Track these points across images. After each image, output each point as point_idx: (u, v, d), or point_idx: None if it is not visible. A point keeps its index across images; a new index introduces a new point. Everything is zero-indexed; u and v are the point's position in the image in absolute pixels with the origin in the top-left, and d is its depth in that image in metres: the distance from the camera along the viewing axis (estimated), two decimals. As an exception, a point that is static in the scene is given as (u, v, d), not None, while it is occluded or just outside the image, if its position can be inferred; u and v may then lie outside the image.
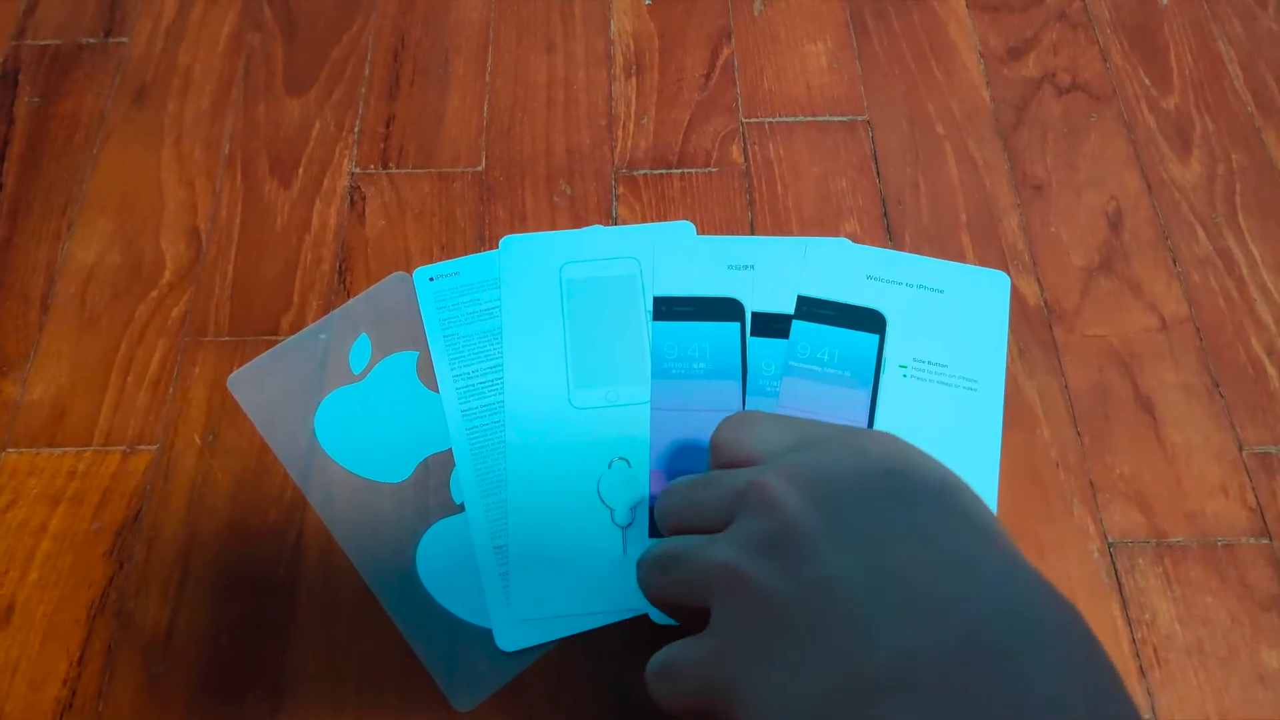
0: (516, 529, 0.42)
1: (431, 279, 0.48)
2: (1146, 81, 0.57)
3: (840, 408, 0.46)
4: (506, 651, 0.40)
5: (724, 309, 0.48)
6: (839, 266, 0.49)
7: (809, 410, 0.46)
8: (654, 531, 0.43)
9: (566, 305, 0.47)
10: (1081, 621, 0.27)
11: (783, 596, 0.28)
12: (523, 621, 0.40)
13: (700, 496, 0.34)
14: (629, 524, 0.43)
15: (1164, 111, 0.56)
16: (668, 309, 0.48)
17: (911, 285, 0.49)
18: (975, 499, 0.30)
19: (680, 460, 0.44)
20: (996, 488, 0.44)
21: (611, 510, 0.43)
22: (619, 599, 0.41)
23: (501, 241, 0.49)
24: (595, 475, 0.44)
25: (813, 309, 0.48)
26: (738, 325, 0.47)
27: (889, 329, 0.47)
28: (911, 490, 0.30)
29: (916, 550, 0.28)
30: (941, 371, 0.47)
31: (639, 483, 0.44)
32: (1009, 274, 0.50)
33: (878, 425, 0.45)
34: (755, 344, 0.47)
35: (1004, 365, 0.47)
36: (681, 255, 0.49)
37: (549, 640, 0.40)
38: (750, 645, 0.28)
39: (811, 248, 0.49)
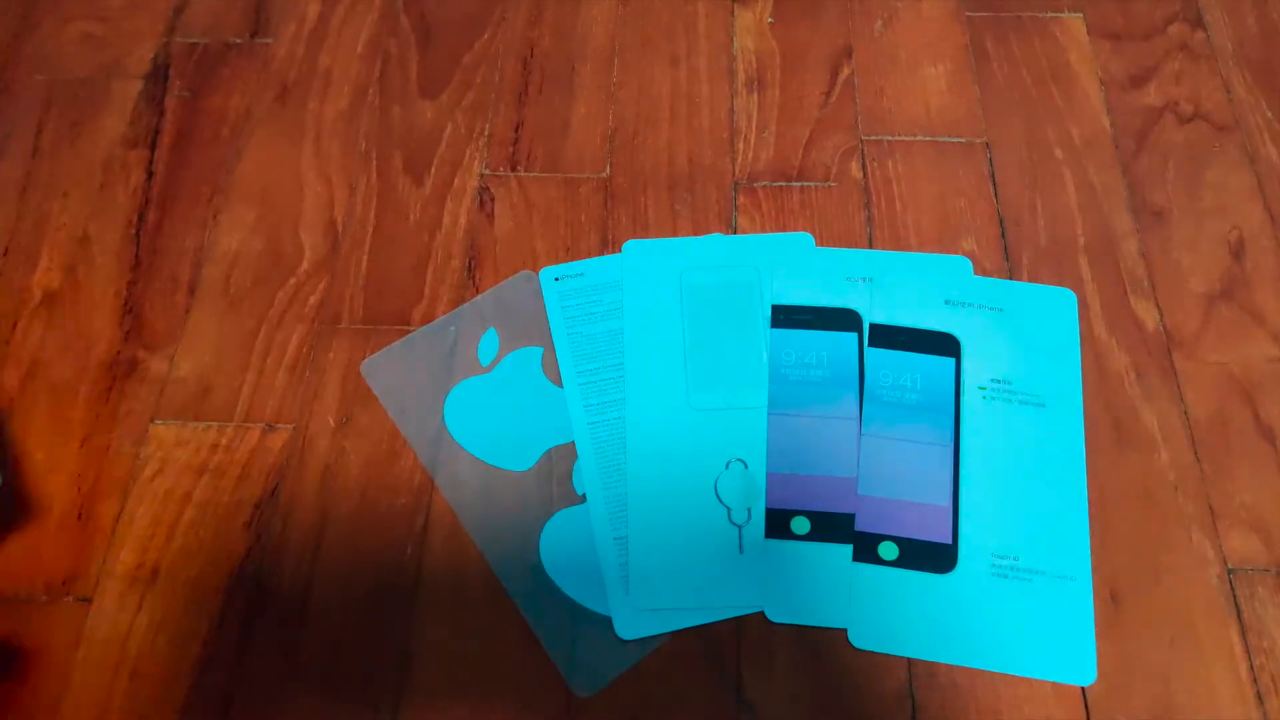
0: (636, 523, 0.43)
1: (557, 279, 0.50)
2: (1269, 114, 0.57)
3: (924, 434, 0.46)
4: (625, 639, 0.41)
5: (842, 319, 0.49)
6: (908, 291, 0.50)
7: (895, 436, 0.46)
8: (770, 531, 0.44)
9: (686, 309, 0.49)
10: None
11: None
12: (642, 612, 0.41)
13: None
14: (745, 523, 0.44)
15: (1289, 144, 0.55)
16: (786, 317, 0.49)
17: (977, 306, 0.49)
18: None
19: (795, 463, 0.45)
20: (1086, 507, 0.44)
21: (728, 509, 0.44)
22: (735, 595, 0.42)
23: (624, 245, 0.51)
24: (713, 475, 0.45)
25: (888, 335, 0.49)
26: (855, 335, 0.48)
27: (965, 351, 0.48)
28: None
29: None
30: (1015, 390, 0.47)
31: (755, 484, 0.45)
32: (1129, 299, 0.50)
33: (964, 446, 0.46)
34: (872, 354, 0.48)
35: (1079, 381, 0.48)
36: (801, 265, 0.51)
37: (666, 631, 0.41)
38: None
39: (872, 268, 0.50)
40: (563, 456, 0.46)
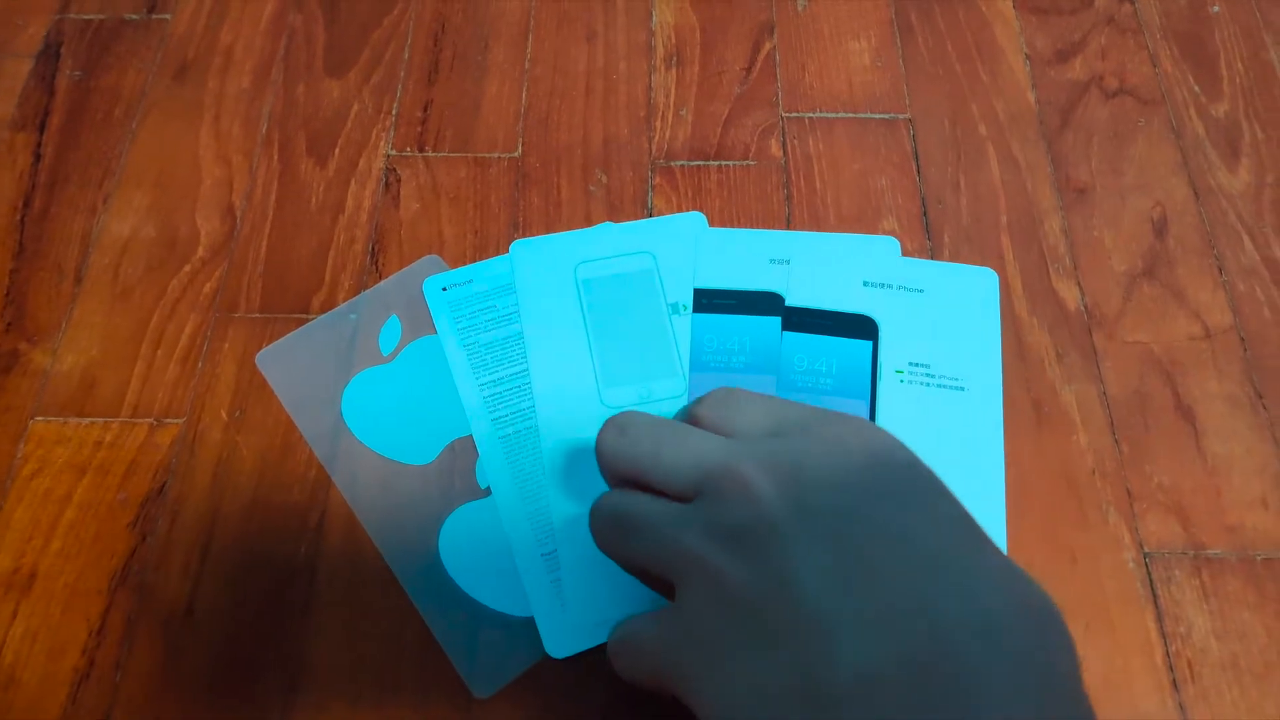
0: (564, 535, 0.41)
1: (444, 289, 0.47)
2: (1196, 88, 0.56)
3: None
4: (559, 658, 0.39)
5: (764, 303, 0.47)
6: (828, 272, 0.48)
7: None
8: None
9: (585, 305, 0.47)
10: (1052, 627, 0.27)
11: (750, 592, 0.27)
12: (576, 627, 0.40)
13: (667, 456, 0.32)
14: None
15: (1213, 119, 0.54)
16: (708, 301, 0.47)
17: (896, 287, 0.48)
18: (950, 496, 0.30)
19: None
20: (1003, 491, 0.43)
21: None
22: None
23: (512, 246, 0.49)
24: None
25: (803, 319, 0.47)
26: (778, 320, 0.46)
27: (882, 334, 0.47)
28: (888, 486, 0.29)
29: (888, 550, 0.27)
30: (933, 374, 0.46)
31: None
32: (1051, 278, 0.49)
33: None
34: (787, 339, 0.47)
35: (999, 364, 0.46)
36: (723, 248, 0.49)
37: (601, 642, 0.39)
38: (712, 636, 0.28)
39: (795, 250, 0.49)
40: (465, 449, 0.44)
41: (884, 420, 0.45)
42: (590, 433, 0.43)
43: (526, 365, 0.45)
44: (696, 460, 0.32)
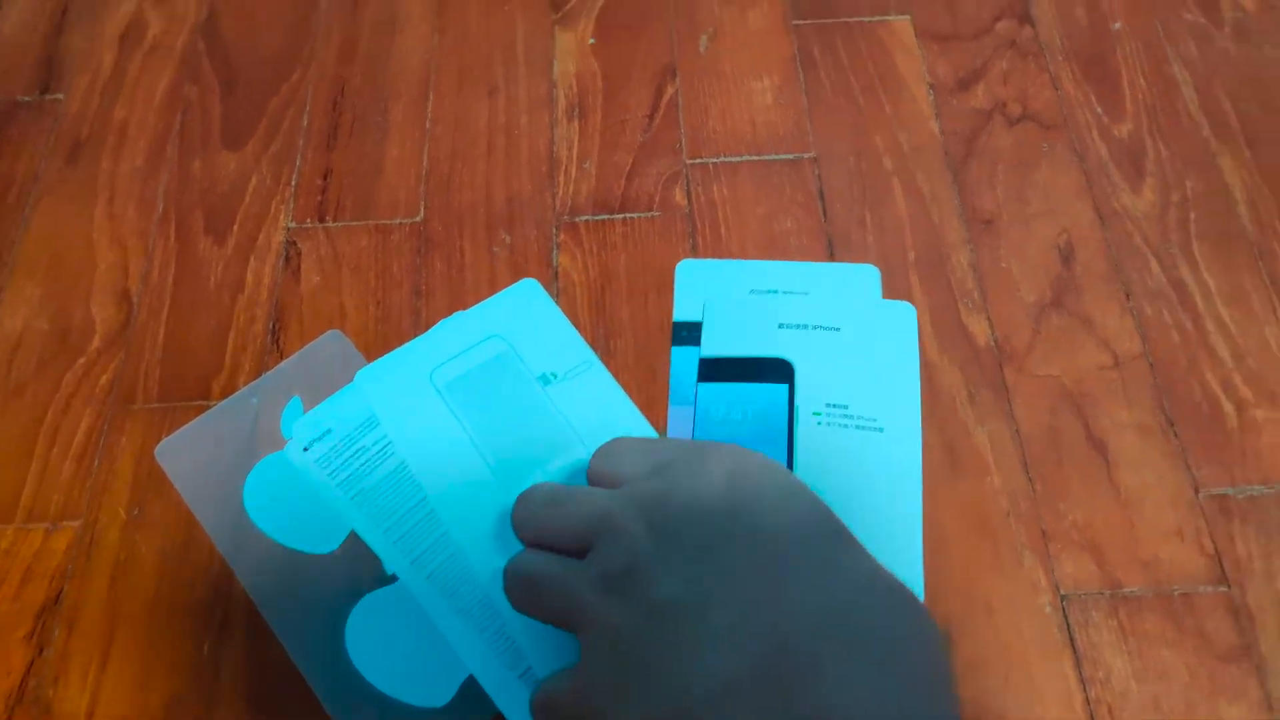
0: (533, 650, 0.39)
1: (306, 449, 0.44)
2: (1099, 109, 0.56)
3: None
4: None
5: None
6: (743, 318, 0.48)
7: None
8: None
9: (455, 410, 0.44)
10: (909, 609, 0.28)
11: (628, 630, 0.29)
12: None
13: (558, 517, 0.34)
14: None
15: (1116, 139, 0.54)
16: (687, 334, 0.47)
17: (812, 328, 0.48)
18: (811, 498, 0.31)
19: None
20: (920, 532, 0.42)
21: None
22: None
23: (357, 376, 0.46)
24: None
25: (719, 369, 0.47)
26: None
27: (798, 376, 0.46)
28: (745, 499, 0.30)
29: (744, 560, 0.28)
30: (851, 415, 0.46)
31: None
32: (959, 312, 0.49)
33: (798, 475, 0.43)
34: (702, 389, 0.46)
35: (918, 403, 0.46)
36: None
37: None
38: (611, 682, 0.29)
39: (708, 302, 0.49)
40: (371, 532, 0.43)
41: (802, 464, 0.44)
42: (514, 540, 0.41)
43: (423, 494, 0.43)
44: (583, 516, 0.33)
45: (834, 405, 0.46)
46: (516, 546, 0.41)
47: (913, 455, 0.45)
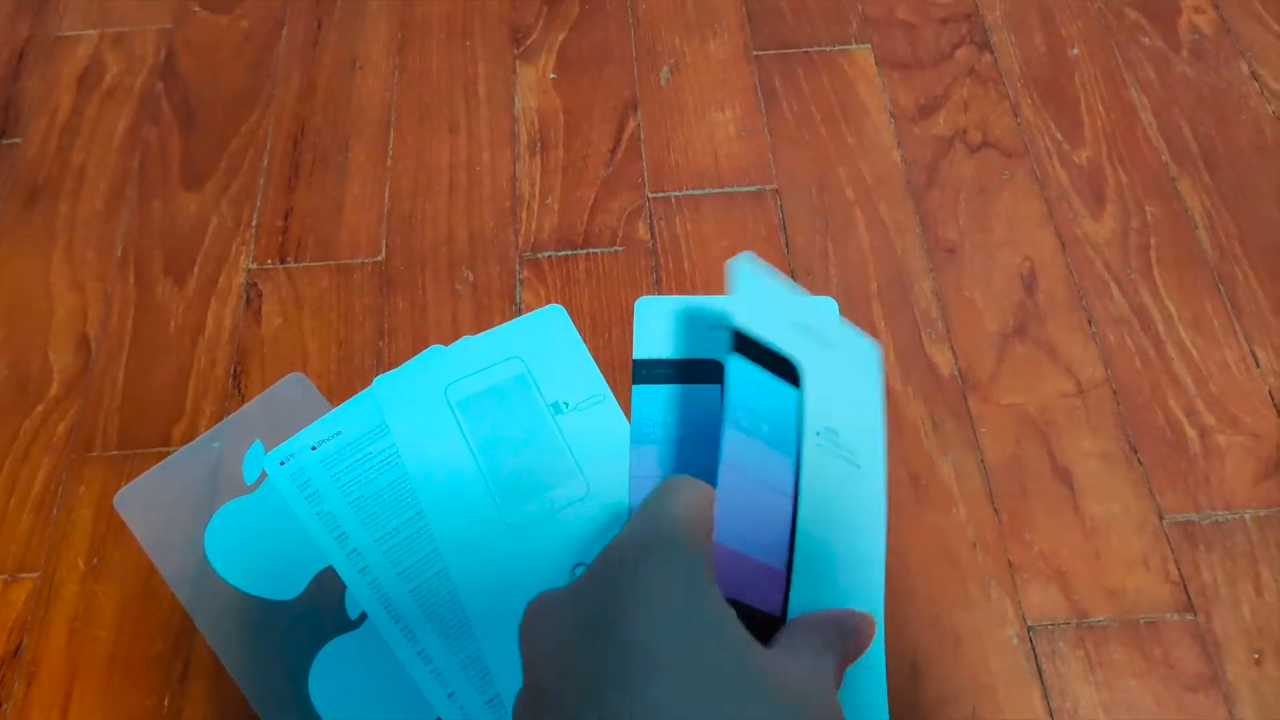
0: (502, 677, 0.40)
1: (314, 447, 0.45)
2: (1058, 136, 0.56)
3: (773, 478, 0.40)
4: None
5: (703, 371, 0.46)
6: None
7: (751, 475, 0.41)
8: None
9: (464, 427, 0.45)
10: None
11: None
12: None
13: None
14: None
15: (1076, 166, 0.55)
16: (647, 372, 0.46)
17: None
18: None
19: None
20: (882, 584, 0.41)
21: None
22: None
23: (375, 382, 0.47)
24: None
25: (752, 348, 0.41)
26: (717, 388, 0.45)
27: (804, 386, 0.42)
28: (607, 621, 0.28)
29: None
30: (840, 445, 0.42)
31: None
32: (923, 342, 0.49)
33: (801, 501, 0.40)
34: (737, 367, 0.42)
35: (882, 439, 0.43)
36: (661, 317, 0.48)
37: None
38: None
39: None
40: (334, 578, 0.42)
41: (805, 489, 0.40)
42: (503, 557, 0.41)
43: (420, 508, 0.43)
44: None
45: (829, 429, 0.43)
46: (504, 571, 0.41)
47: (879, 499, 0.43)
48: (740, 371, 0.40)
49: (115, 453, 0.46)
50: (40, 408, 0.48)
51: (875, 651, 0.40)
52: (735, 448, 0.38)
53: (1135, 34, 0.60)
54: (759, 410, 0.40)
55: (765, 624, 0.36)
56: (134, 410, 0.47)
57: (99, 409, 0.47)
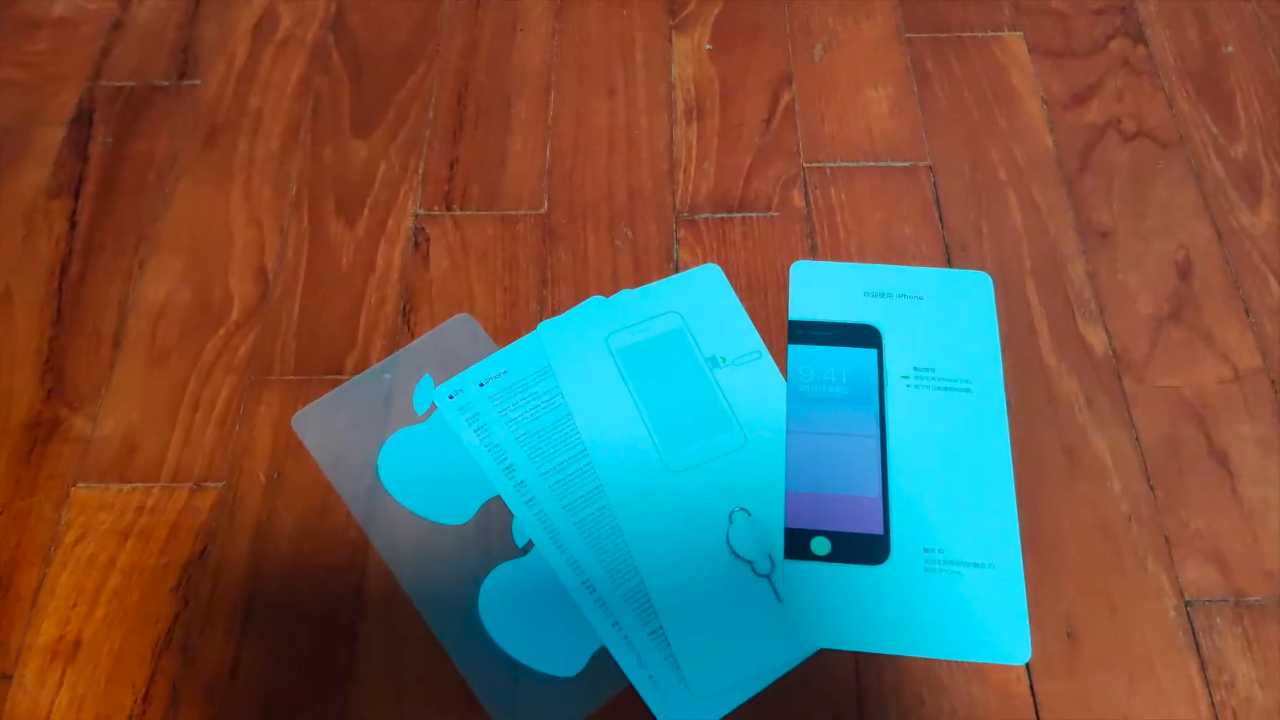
0: (666, 611, 0.41)
1: (482, 384, 0.47)
2: (1214, 129, 0.56)
3: (851, 426, 0.46)
4: None
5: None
6: (827, 287, 0.50)
7: (823, 431, 0.46)
8: (790, 552, 0.43)
9: (626, 374, 0.47)
10: None
11: None
12: (700, 701, 0.40)
13: None
14: (771, 571, 0.42)
15: (1232, 159, 0.55)
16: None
17: (896, 296, 0.49)
18: None
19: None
20: (1013, 487, 0.44)
21: (750, 563, 0.42)
22: (784, 651, 0.41)
23: (540, 327, 0.49)
24: (720, 532, 0.43)
25: (807, 331, 0.48)
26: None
27: (885, 341, 0.48)
28: None
29: None
30: (938, 376, 0.47)
31: (767, 528, 0.43)
32: (1076, 321, 0.49)
33: (890, 437, 0.46)
34: (794, 351, 0.48)
35: (999, 363, 0.48)
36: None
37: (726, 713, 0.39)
38: None
39: (795, 269, 0.51)
40: (500, 508, 0.44)
41: (893, 424, 0.46)
42: (661, 501, 0.43)
43: (583, 446, 0.45)
44: None
45: (920, 369, 0.47)
46: (665, 512, 0.42)
47: (999, 408, 0.46)
48: (799, 356, 0.48)
49: (292, 377, 0.48)
50: (222, 331, 0.50)
51: (1010, 553, 0.41)
52: (800, 417, 0.46)
53: (1292, 34, 0.60)
54: (828, 377, 0.47)
55: (872, 544, 0.43)
56: (309, 339, 0.50)
57: (276, 336, 0.50)
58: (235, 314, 0.51)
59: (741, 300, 0.51)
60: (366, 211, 0.54)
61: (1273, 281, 0.50)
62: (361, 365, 0.49)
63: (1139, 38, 0.60)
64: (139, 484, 0.46)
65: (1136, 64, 0.59)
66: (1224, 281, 0.50)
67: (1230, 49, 0.59)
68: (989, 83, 0.59)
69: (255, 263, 0.52)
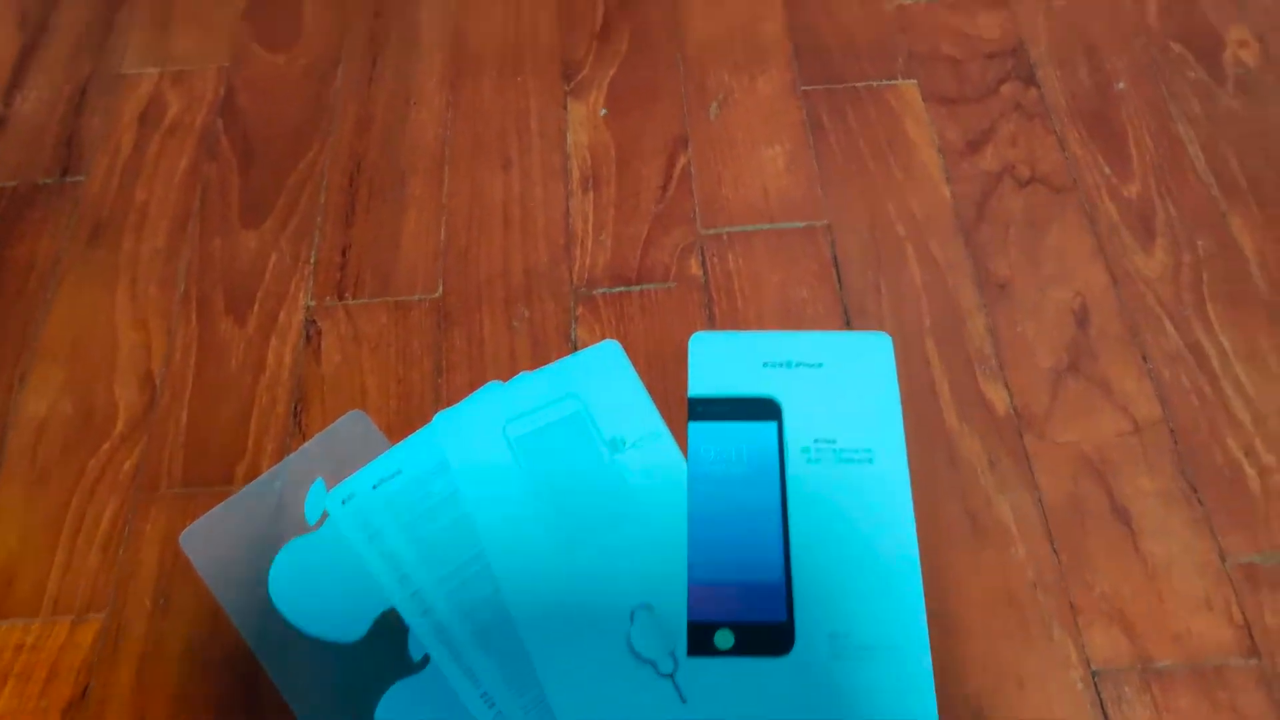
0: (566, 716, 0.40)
1: (375, 485, 0.46)
2: (1107, 170, 0.56)
3: (752, 507, 0.45)
4: None
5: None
6: (726, 358, 0.49)
7: (724, 515, 0.45)
8: (692, 649, 0.41)
9: (523, 465, 0.46)
10: None
11: None
12: None
13: None
14: (674, 670, 0.41)
15: (1125, 200, 0.55)
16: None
17: (795, 365, 0.48)
18: None
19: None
20: (918, 564, 0.43)
21: (653, 663, 0.41)
22: None
23: (435, 419, 0.48)
24: (622, 633, 0.42)
25: (707, 408, 0.47)
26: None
27: (786, 414, 0.47)
28: None
29: None
30: (840, 448, 0.46)
31: (669, 625, 0.42)
32: (977, 379, 0.49)
33: (792, 517, 0.45)
34: (693, 429, 0.47)
35: (901, 429, 0.47)
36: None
37: None
38: None
39: (693, 341, 0.50)
40: (396, 620, 0.43)
41: (794, 502, 0.45)
42: (559, 598, 0.42)
43: (481, 548, 0.44)
44: None
45: (822, 440, 0.46)
46: (566, 612, 0.41)
47: (903, 479, 0.45)
48: (700, 433, 0.47)
49: (180, 490, 0.47)
50: (106, 445, 0.48)
51: (918, 634, 0.40)
52: (701, 500, 0.45)
53: (1180, 68, 0.60)
54: (729, 456, 0.46)
55: (776, 633, 0.42)
56: (197, 449, 0.48)
57: (163, 447, 0.48)
58: (120, 426, 0.49)
59: (642, 376, 0.50)
60: (257, 306, 0.53)
61: (1168, 325, 0.50)
62: (253, 473, 0.47)
63: (1030, 80, 0.60)
64: (18, 620, 0.44)
65: (1029, 107, 0.59)
66: (1120, 328, 0.50)
67: (1121, 85, 0.60)
68: (885, 134, 0.58)
69: (142, 368, 0.51)
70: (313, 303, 0.53)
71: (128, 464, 0.48)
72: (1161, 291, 0.52)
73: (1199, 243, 0.53)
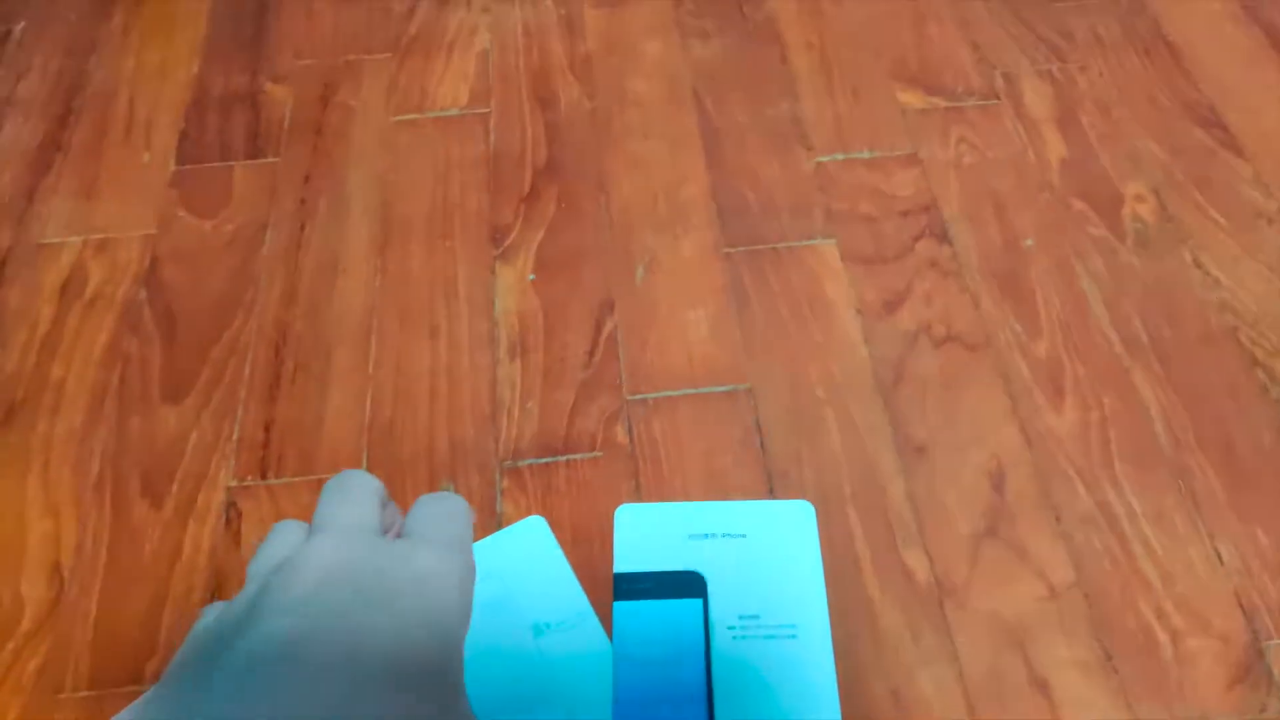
0: None
1: None
2: (1018, 328, 0.58)
3: (678, 690, 0.45)
4: None
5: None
6: (651, 531, 0.49)
7: (649, 700, 0.44)
8: None
9: None
10: None
11: None
12: None
13: None
14: None
15: (1036, 358, 0.57)
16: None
17: (719, 536, 0.49)
18: None
19: None
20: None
21: None
22: None
23: None
24: None
25: (633, 585, 0.47)
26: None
27: (710, 589, 0.47)
28: None
29: None
30: (764, 624, 0.46)
31: None
32: (898, 547, 0.50)
33: (717, 700, 0.44)
34: (618, 609, 0.47)
35: (824, 603, 0.47)
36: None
37: None
38: None
39: (619, 514, 0.50)
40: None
41: (720, 682, 0.45)
42: None
43: None
44: None
45: (747, 617, 0.46)
46: None
47: (827, 656, 0.46)
48: (624, 613, 0.47)
49: (86, 693, 0.45)
50: (10, 645, 0.47)
51: None
52: (627, 685, 0.45)
53: (1083, 224, 0.63)
54: (654, 637, 0.46)
55: None
56: (106, 646, 0.47)
57: (70, 646, 0.47)
58: (25, 623, 0.48)
59: (567, 552, 0.50)
60: (175, 487, 0.52)
61: (1079, 486, 0.52)
62: (162, 670, 0.46)
63: (944, 237, 0.63)
64: (-93, 847, 0.41)
65: (943, 265, 0.61)
66: (1035, 489, 0.52)
67: (1029, 242, 0.62)
68: (805, 295, 0.60)
69: (50, 560, 0.50)
70: (234, 482, 0.52)
71: (33, 664, 0.46)
72: (1072, 451, 0.53)
73: (1105, 400, 0.55)
